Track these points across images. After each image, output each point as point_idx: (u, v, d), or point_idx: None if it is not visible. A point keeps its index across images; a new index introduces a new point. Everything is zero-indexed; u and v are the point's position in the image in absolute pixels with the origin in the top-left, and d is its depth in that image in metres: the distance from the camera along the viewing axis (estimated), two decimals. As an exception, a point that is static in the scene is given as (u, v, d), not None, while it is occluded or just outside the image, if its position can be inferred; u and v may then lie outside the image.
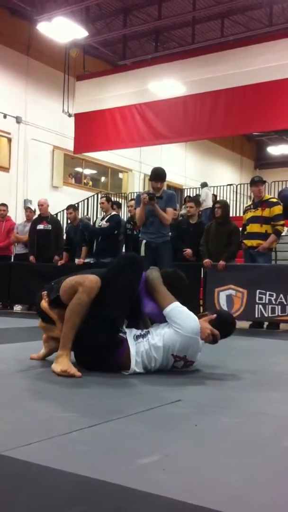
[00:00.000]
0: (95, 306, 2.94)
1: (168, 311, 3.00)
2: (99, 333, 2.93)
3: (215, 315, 3.19)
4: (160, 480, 1.43)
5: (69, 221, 9.05)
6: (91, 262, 8.16)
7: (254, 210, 6.94)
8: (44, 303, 3.15)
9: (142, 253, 6.24)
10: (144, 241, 6.29)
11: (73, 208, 8.81)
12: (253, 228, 6.86)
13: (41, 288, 3.28)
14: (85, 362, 3.05)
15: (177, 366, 3.06)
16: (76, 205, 10.49)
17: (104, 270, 3.17)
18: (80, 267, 7.82)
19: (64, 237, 8.93)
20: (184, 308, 3.05)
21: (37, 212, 9.30)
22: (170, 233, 6.47)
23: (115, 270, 3.10)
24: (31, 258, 8.57)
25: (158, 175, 6.30)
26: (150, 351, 2.96)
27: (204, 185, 14.39)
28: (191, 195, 14.68)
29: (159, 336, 2.97)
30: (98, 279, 2.95)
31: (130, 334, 3.01)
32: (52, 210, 9.42)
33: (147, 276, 3.15)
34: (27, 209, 9.58)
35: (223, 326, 3.18)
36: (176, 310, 3.00)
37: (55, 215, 10.42)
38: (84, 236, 8.38)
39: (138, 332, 3.05)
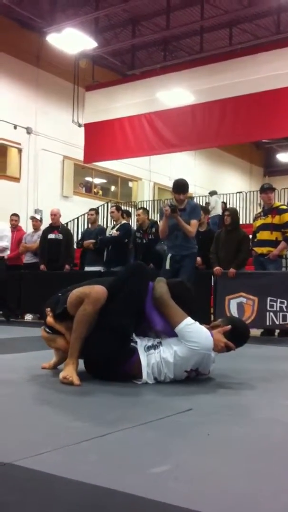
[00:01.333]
0: (104, 316, 2.94)
1: (181, 329, 2.92)
2: (109, 345, 2.92)
3: (229, 327, 3.06)
4: (171, 489, 1.43)
5: (88, 225, 9.25)
6: (102, 270, 8.18)
7: (264, 217, 6.92)
8: (49, 319, 3.15)
9: (167, 266, 6.13)
10: (169, 255, 6.15)
11: (95, 211, 9.14)
12: (263, 235, 6.84)
13: (49, 298, 3.29)
14: (96, 372, 3.05)
15: (190, 377, 3.04)
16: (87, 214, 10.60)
17: (111, 279, 3.17)
18: (90, 275, 7.84)
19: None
20: (196, 324, 2.98)
21: (44, 221, 9.38)
22: (196, 246, 6.28)
23: (122, 279, 3.10)
24: (42, 266, 8.62)
25: (180, 186, 6.14)
26: (161, 365, 2.92)
27: (213, 193, 14.42)
28: (201, 203, 14.69)
29: (170, 351, 2.91)
30: (104, 290, 2.95)
31: (141, 344, 2.97)
32: (62, 220, 9.49)
33: (155, 290, 3.06)
34: (33, 218, 9.65)
35: (238, 338, 3.09)
36: (188, 328, 2.92)
37: (65, 224, 10.48)
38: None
39: (150, 342, 3.00)
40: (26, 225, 11.10)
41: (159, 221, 6.62)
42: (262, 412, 2.42)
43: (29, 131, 13.98)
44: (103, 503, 1.34)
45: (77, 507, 1.31)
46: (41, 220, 9.49)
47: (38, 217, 9.70)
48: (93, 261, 8.50)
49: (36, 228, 9.30)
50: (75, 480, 1.47)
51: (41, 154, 14.24)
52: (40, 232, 8.99)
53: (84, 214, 13.06)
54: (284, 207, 7.12)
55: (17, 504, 1.32)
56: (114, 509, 1.31)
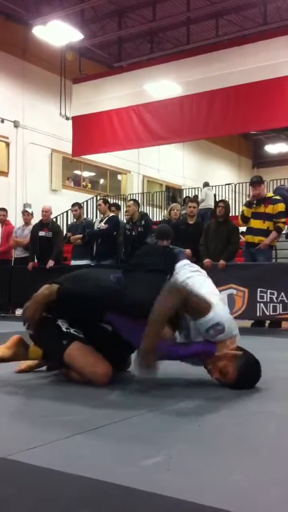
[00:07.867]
0: None
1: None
2: None
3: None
4: (164, 480, 1.44)
5: (74, 220, 9.09)
6: (92, 264, 8.16)
7: (257, 206, 6.90)
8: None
9: None
10: None
11: (78, 205, 8.92)
12: (256, 224, 6.84)
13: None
14: None
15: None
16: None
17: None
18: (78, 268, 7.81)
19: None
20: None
21: (35, 215, 9.33)
22: None
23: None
24: (30, 265, 8.55)
25: (165, 233, 6.29)
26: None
27: (205, 185, 14.36)
28: (190, 196, 14.70)
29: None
30: (109, 372, 2.70)
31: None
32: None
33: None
34: (24, 212, 9.60)
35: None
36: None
37: (54, 219, 10.43)
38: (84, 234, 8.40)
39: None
40: (15, 220, 11.04)
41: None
42: (251, 404, 2.43)
43: (16, 124, 13.87)
44: (96, 495, 1.35)
45: (73, 500, 1.32)
46: (32, 214, 9.43)
47: (29, 211, 9.63)
48: (80, 255, 8.43)
49: (27, 222, 9.24)
50: (70, 473, 1.48)
51: (29, 147, 14.14)
52: (31, 227, 8.93)
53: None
54: (278, 197, 7.14)
55: (14, 498, 1.32)
56: (107, 500, 1.32)
